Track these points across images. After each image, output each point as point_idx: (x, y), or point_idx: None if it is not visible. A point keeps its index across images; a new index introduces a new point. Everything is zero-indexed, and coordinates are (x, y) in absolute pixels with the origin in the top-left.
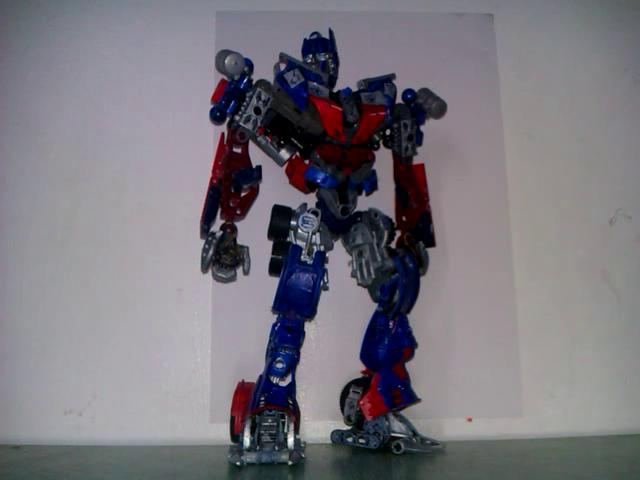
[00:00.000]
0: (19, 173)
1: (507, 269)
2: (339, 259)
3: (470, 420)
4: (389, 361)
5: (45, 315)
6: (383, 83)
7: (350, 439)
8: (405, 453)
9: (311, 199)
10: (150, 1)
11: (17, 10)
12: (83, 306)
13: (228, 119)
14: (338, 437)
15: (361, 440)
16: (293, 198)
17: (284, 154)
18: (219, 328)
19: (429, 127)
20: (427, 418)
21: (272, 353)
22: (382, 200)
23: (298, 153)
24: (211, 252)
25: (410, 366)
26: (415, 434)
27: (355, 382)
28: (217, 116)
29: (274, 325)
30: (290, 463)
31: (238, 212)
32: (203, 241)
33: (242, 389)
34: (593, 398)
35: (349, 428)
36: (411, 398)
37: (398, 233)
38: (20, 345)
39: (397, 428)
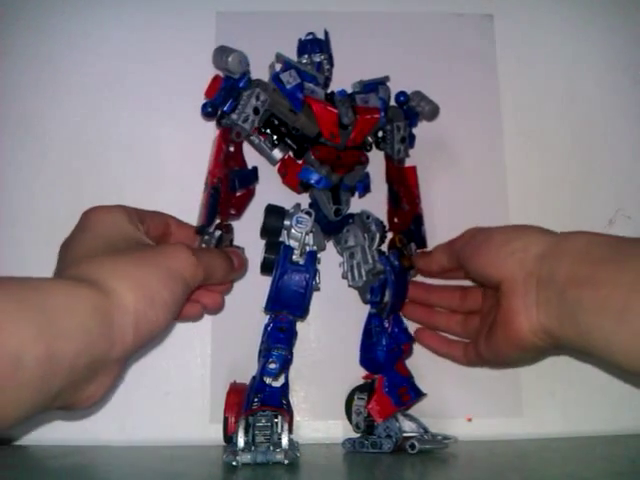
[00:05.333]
0: (19, 173)
1: None
2: (335, 260)
3: (470, 420)
4: (390, 361)
5: None
6: (378, 85)
7: (361, 444)
8: (420, 452)
9: (302, 199)
10: (150, 1)
11: (17, 10)
12: None
13: (217, 116)
14: (350, 445)
15: (374, 445)
16: (285, 198)
17: (277, 153)
18: (219, 328)
19: (427, 127)
20: (427, 418)
21: (265, 354)
22: (374, 202)
23: (291, 153)
24: None
25: (409, 366)
26: (426, 431)
27: (358, 388)
28: (209, 112)
29: (267, 326)
30: (286, 462)
31: (233, 212)
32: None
33: (235, 390)
34: (593, 398)
35: (359, 435)
36: (418, 394)
37: (390, 235)
38: None
39: (407, 427)
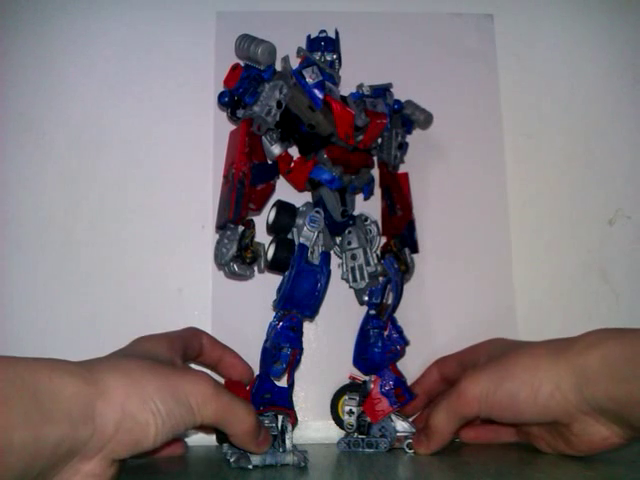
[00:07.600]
0: (19, 173)
1: (506, 269)
2: (334, 260)
3: None
4: (385, 362)
5: (44, 315)
6: (385, 91)
7: (356, 444)
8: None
9: (303, 197)
10: (150, 1)
11: (17, 10)
12: (83, 306)
13: (232, 107)
14: (345, 445)
15: (370, 445)
16: (289, 196)
17: (275, 149)
18: (219, 328)
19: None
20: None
21: (274, 353)
22: (374, 206)
23: (298, 151)
24: (234, 248)
25: (407, 367)
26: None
27: (347, 388)
28: (226, 101)
29: (274, 324)
30: (302, 465)
31: (253, 207)
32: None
33: (232, 387)
34: None
35: (349, 434)
36: (412, 394)
37: (383, 239)
38: (19, 347)
39: (400, 427)
